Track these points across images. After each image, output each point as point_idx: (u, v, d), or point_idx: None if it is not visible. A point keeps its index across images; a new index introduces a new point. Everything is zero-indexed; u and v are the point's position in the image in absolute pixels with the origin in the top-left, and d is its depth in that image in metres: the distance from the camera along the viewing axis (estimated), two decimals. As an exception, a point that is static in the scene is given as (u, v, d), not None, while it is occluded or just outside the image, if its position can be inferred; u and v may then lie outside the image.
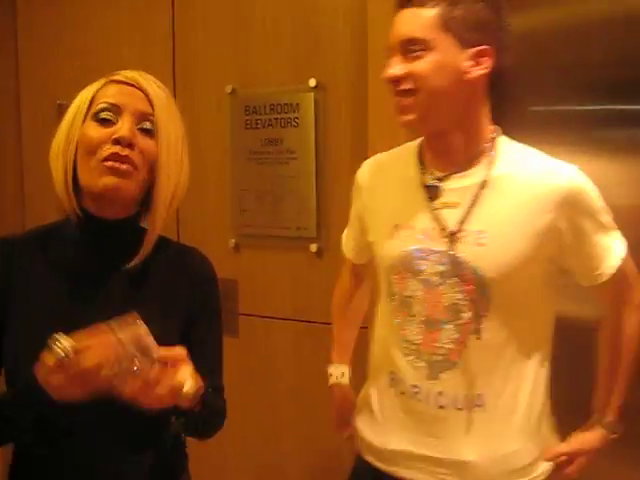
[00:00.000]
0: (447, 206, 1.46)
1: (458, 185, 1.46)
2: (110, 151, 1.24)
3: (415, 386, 1.50)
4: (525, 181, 1.44)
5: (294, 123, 2.22)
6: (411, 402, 1.51)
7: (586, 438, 1.55)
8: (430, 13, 1.40)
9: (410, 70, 1.41)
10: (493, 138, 1.49)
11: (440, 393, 1.47)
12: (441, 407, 1.48)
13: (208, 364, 1.32)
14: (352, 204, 1.69)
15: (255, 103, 2.29)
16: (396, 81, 1.42)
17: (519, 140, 1.52)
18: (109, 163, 1.24)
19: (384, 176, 1.60)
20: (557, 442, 1.57)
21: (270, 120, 2.26)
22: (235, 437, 2.39)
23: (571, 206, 1.42)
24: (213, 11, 2.38)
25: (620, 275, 1.49)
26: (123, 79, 1.31)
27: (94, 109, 1.28)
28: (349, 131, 2.14)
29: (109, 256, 1.31)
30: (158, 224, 1.32)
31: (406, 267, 1.49)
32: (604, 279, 1.48)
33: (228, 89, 2.34)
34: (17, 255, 1.31)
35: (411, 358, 1.51)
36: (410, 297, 1.49)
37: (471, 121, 1.47)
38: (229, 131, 2.36)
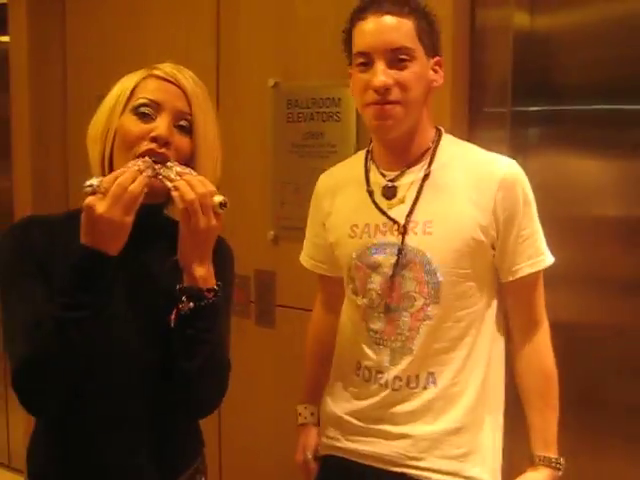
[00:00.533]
0: (397, 201, 1.56)
1: (405, 181, 1.57)
2: (147, 147, 1.29)
3: (380, 372, 1.59)
4: (465, 170, 1.55)
5: (336, 117, 2.23)
6: (373, 387, 1.60)
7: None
8: (409, 23, 1.49)
9: (398, 79, 1.48)
10: (438, 137, 1.60)
11: (397, 377, 1.56)
12: (396, 389, 1.57)
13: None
14: (310, 216, 1.77)
15: (297, 97, 2.31)
16: (386, 90, 1.47)
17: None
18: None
19: (340, 183, 1.69)
20: (497, 450, 1.62)
21: (312, 114, 2.28)
22: (269, 426, 2.42)
23: (507, 192, 1.51)
24: (257, 6, 2.40)
25: (529, 285, 1.57)
26: (163, 75, 1.34)
27: (134, 102, 1.32)
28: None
29: (138, 239, 1.29)
30: None
31: (365, 262, 1.59)
32: (519, 275, 1.55)
33: (271, 83, 2.36)
34: (56, 233, 1.35)
35: (376, 346, 1.59)
36: (371, 290, 1.58)
37: (423, 124, 1.57)
38: (271, 124, 2.38)
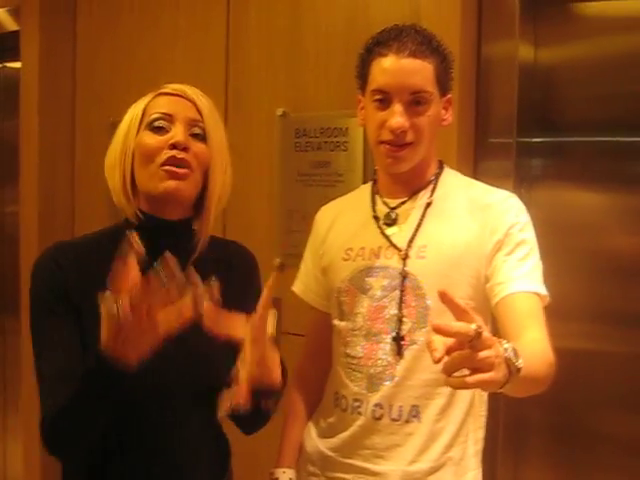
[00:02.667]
0: (397, 228, 1.56)
1: (406, 209, 1.58)
2: (168, 155, 1.34)
3: (356, 400, 1.54)
4: (465, 200, 1.56)
5: (343, 147, 2.25)
6: (351, 417, 1.55)
7: None
8: (430, 66, 1.49)
9: (414, 123, 1.49)
10: (440, 168, 1.61)
11: (377, 405, 1.51)
12: (377, 419, 1.52)
13: None
14: (307, 247, 1.75)
15: (305, 126, 2.33)
16: (402, 132, 1.48)
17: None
18: (167, 167, 1.33)
19: (341, 213, 1.69)
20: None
21: (320, 143, 2.30)
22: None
23: (499, 218, 1.50)
24: (266, 35, 2.43)
25: (522, 304, 1.43)
26: (171, 91, 1.41)
27: (147, 119, 1.38)
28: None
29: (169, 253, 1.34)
30: (210, 222, 1.43)
31: (355, 285, 1.57)
32: (505, 293, 1.44)
33: (279, 112, 2.38)
34: (81, 257, 1.39)
35: (352, 373, 1.56)
36: (358, 313, 1.56)
37: (428, 157, 1.58)
38: (279, 153, 2.41)
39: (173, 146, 1.34)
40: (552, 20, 2.12)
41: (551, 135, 2.14)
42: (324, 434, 1.64)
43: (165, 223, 1.41)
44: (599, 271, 2.03)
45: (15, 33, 3.06)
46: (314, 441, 1.66)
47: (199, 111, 1.41)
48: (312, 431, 1.68)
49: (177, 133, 1.36)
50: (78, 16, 2.99)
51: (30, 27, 2.97)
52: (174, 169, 1.34)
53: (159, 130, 1.37)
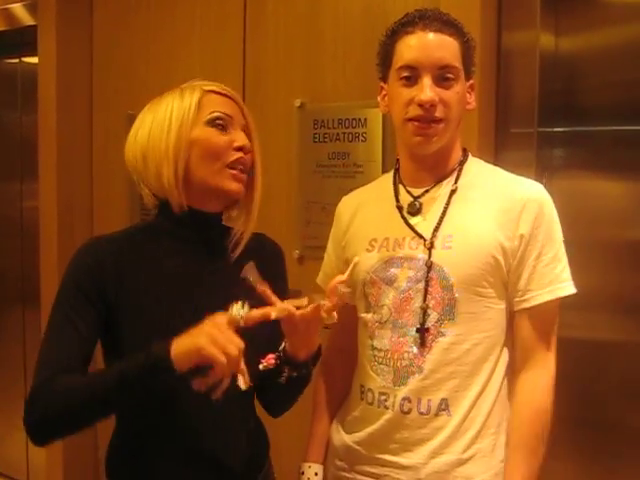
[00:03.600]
0: (421, 217, 1.54)
1: (430, 197, 1.55)
2: (236, 157, 1.41)
3: (383, 393, 1.52)
4: (490, 189, 1.53)
5: (362, 138, 2.24)
6: (378, 411, 1.53)
7: None
8: (456, 43, 1.49)
9: (443, 97, 1.47)
10: (464, 157, 1.59)
11: (405, 398, 1.49)
12: (405, 413, 1.49)
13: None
14: (331, 237, 1.74)
15: (323, 117, 2.32)
16: (432, 106, 1.46)
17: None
18: (235, 171, 1.41)
19: (364, 203, 1.67)
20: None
21: (338, 134, 2.29)
22: (291, 449, 2.41)
23: (531, 214, 1.48)
24: (284, 26, 2.42)
25: (545, 316, 1.50)
26: (223, 91, 1.46)
27: (207, 116, 1.41)
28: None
29: (209, 246, 1.46)
30: (255, 219, 1.52)
31: (381, 277, 1.55)
32: (535, 303, 1.48)
33: (297, 103, 2.38)
34: (119, 254, 1.41)
35: (378, 366, 1.54)
36: (384, 305, 1.53)
37: (454, 143, 1.56)
38: (297, 144, 2.40)
39: (240, 148, 1.42)
40: (573, 9, 2.10)
41: (572, 124, 2.12)
42: (351, 428, 1.62)
43: (209, 215, 1.46)
44: (621, 260, 2.02)
45: (32, 28, 3.07)
46: (341, 435, 1.64)
47: (244, 115, 1.47)
48: (339, 425, 1.67)
49: (242, 136, 1.43)
50: (95, 9, 2.99)
51: (47, 21, 2.98)
52: (240, 174, 1.43)
53: (222, 129, 1.42)
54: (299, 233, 2.41)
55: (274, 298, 1.29)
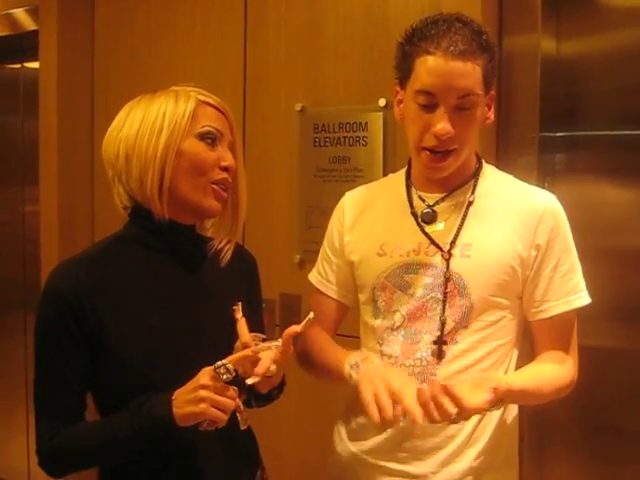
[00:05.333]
0: (436, 226, 1.52)
1: (446, 206, 1.53)
2: (221, 177, 1.38)
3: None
4: (507, 199, 1.51)
5: (362, 142, 2.23)
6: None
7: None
8: (479, 67, 1.41)
9: (460, 129, 1.42)
10: (479, 165, 1.57)
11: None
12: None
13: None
14: (328, 233, 1.70)
15: (324, 121, 2.32)
16: (448, 138, 1.41)
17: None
18: (217, 188, 1.38)
19: (371, 203, 1.63)
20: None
21: (338, 138, 2.29)
22: (292, 448, 2.40)
23: (548, 225, 1.47)
24: (285, 30, 2.42)
25: (563, 325, 1.50)
26: (216, 105, 1.43)
27: (199, 129, 1.38)
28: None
29: (185, 256, 1.43)
30: (240, 232, 1.50)
31: (393, 282, 1.52)
32: (552, 313, 1.48)
33: (298, 107, 2.37)
34: (94, 273, 1.36)
35: None
36: (396, 311, 1.50)
37: (469, 153, 1.52)
38: (298, 148, 2.39)
39: (226, 169, 1.39)
40: (574, 12, 2.09)
41: (574, 129, 2.11)
42: (356, 436, 1.58)
43: (182, 228, 1.43)
44: (624, 266, 2.01)
45: (34, 33, 3.07)
46: (345, 443, 1.61)
47: (232, 133, 1.45)
48: (342, 432, 1.63)
49: (229, 156, 1.41)
50: (96, 15, 2.99)
51: (48, 26, 2.97)
52: (222, 192, 1.40)
53: (211, 144, 1.39)
54: (300, 237, 2.40)
55: (251, 346, 1.29)
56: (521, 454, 1.64)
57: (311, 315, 1.29)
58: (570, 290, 1.49)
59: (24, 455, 3.45)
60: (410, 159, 1.61)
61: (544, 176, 2.02)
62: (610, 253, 2.02)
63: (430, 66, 1.39)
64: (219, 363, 1.23)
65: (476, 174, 1.55)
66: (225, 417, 1.24)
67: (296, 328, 1.29)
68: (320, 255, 1.73)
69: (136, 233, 1.42)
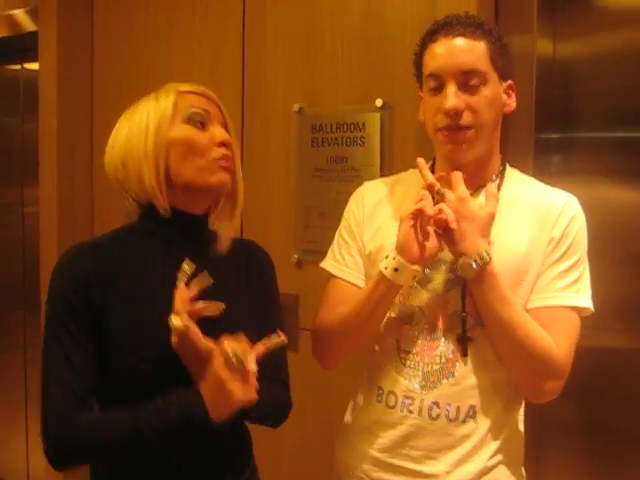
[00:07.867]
0: None
1: None
2: (222, 153, 1.39)
3: (408, 397, 1.48)
4: (530, 200, 1.52)
5: (360, 142, 2.24)
6: (401, 415, 1.49)
7: None
8: (482, 45, 1.45)
9: (469, 103, 1.44)
10: (503, 167, 1.58)
11: (434, 403, 1.46)
12: (433, 419, 1.46)
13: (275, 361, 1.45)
14: (345, 218, 1.68)
15: (321, 122, 2.32)
16: (456, 114, 1.43)
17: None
18: (221, 162, 1.39)
19: (391, 195, 1.63)
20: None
21: (336, 139, 2.29)
22: (294, 449, 2.41)
23: (565, 222, 1.48)
24: (283, 32, 2.43)
25: (557, 320, 1.46)
26: (197, 91, 1.44)
27: (185, 114, 1.40)
28: (414, 151, 2.15)
29: (194, 247, 1.44)
30: (239, 222, 1.52)
31: None
32: (534, 306, 1.47)
33: (295, 108, 2.38)
34: (104, 258, 1.38)
35: (404, 368, 1.50)
36: (414, 306, 1.50)
37: (494, 149, 1.54)
38: (295, 148, 2.40)
39: (223, 144, 1.40)
40: (571, 14, 2.10)
41: (570, 131, 2.11)
42: (365, 433, 1.58)
43: (194, 217, 1.45)
44: (621, 269, 2.01)
45: (34, 34, 3.08)
46: (353, 442, 1.61)
47: (222, 113, 1.46)
48: (349, 428, 1.64)
49: (222, 132, 1.42)
50: (95, 15, 3.00)
51: (48, 27, 2.98)
52: (227, 164, 1.41)
53: (201, 126, 1.41)
54: (297, 237, 2.41)
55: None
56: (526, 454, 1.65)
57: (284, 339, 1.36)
58: (566, 287, 1.47)
59: (24, 455, 3.47)
60: (434, 157, 1.62)
61: (540, 178, 2.02)
62: (607, 255, 2.02)
63: (433, 51, 1.48)
64: (230, 353, 1.25)
65: (500, 175, 1.56)
66: (256, 395, 1.27)
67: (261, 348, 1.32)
68: (335, 243, 1.70)
69: (145, 224, 1.45)
